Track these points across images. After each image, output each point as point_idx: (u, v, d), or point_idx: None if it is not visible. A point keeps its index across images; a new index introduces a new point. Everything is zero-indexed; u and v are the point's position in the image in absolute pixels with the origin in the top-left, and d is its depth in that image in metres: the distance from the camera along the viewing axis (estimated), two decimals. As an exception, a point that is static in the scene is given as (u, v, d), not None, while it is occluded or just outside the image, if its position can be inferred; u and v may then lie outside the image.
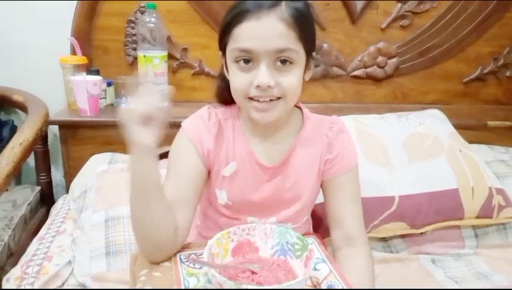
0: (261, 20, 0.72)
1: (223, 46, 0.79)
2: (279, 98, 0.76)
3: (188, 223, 0.80)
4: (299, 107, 0.89)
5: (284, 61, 0.74)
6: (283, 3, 0.73)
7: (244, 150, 0.85)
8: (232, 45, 0.75)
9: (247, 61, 0.75)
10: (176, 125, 0.85)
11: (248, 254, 0.75)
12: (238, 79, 0.76)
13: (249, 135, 0.86)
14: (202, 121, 0.84)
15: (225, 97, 0.86)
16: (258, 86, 0.74)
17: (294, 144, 0.86)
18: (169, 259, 0.78)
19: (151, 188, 0.73)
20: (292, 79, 0.76)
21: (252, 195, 0.85)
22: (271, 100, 0.76)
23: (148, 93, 0.69)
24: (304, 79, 0.80)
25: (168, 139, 0.85)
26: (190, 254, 0.78)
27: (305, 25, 0.75)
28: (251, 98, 0.77)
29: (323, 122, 0.89)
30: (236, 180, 0.85)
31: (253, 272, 0.69)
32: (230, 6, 0.77)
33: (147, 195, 0.73)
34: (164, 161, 0.90)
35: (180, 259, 0.77)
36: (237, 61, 0.76)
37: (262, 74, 0.73)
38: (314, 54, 0.81)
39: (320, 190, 0.91)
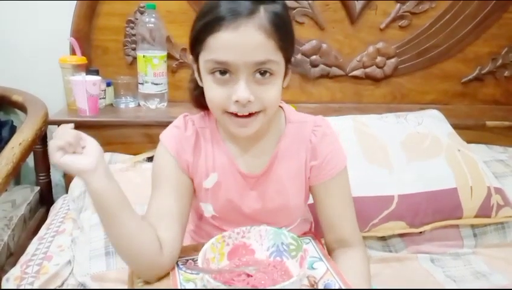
0: (239, 30, 0.66)
1: (195, 53, 0.74)
2: (258, 111, 0.73)
3: (177, 239, 0.76)
4: (281, 107, 0.84)
5: (263, 73, 0.70)
6: (261, 8, 0.67)
7: (225, 159, 0.81)
8: (207, 56, 0.70)
9: (223, 72, 0.70)
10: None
11: (244, 257, 0.74)
12: (214, 93, 0.72)
13: (228, 143, 0.82)
14: (179, 132, 0.81)
15: (201, 103, 0.80)
16: (236, 101, 0.70)
17: (277, 151, 0.82)
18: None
19: (113, 204, 0.70)
20: (272, 92, 0.72)
21: (238, 205, 0.82)
22: (250, 114, 0.72)
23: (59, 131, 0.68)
24: (282, 86, 0.75)
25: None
26: (188, 260, 0.77)
27: (284, 32, 0.70)
28: (230, 112, 0.72)
29: (306, 125, 0.83)
30: (219, 191, 0.82)
31: (248, 275, 0.68)
32: (201, 11, 0.71)
33: (113, 213, 0.70)
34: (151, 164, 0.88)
35: (177, 264, 0.76)
36: (212, 73, 0.70)
37: (241, 89, 0.69)
38: (292, 59, 0.76)
39: None
